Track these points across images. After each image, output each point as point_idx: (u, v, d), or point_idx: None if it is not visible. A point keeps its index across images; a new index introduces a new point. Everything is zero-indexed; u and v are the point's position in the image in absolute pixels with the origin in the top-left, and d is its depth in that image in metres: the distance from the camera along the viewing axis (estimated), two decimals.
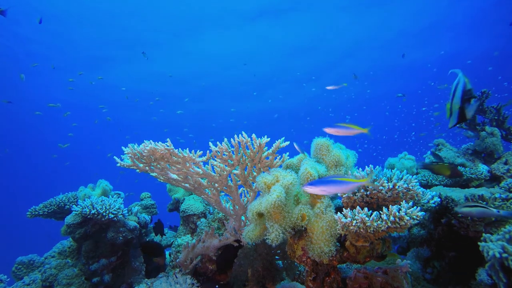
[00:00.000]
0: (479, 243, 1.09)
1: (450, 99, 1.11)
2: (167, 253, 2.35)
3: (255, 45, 11.57)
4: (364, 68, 12.85)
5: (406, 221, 0.89)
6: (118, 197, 2.31)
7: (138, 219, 2.26)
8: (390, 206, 0.92)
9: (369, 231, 0.93)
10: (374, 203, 1.05)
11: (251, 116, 16.79)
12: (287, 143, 1.45)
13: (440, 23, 10.20)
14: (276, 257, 1.65)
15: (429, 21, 10.10)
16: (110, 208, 1.94)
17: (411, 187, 1.00)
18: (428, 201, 1.30)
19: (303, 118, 17.96)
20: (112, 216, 1.92)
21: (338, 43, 11.46)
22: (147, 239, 2.47)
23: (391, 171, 1.04)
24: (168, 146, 1.41)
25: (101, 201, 1.95)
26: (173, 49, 11.42)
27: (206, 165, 1.56)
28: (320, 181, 0.97)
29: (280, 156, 1.47)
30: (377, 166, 1.06)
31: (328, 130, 1.30)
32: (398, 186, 0.99)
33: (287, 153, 1.47)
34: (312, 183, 0.97)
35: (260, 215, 1.11)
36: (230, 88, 14.06)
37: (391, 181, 1.01)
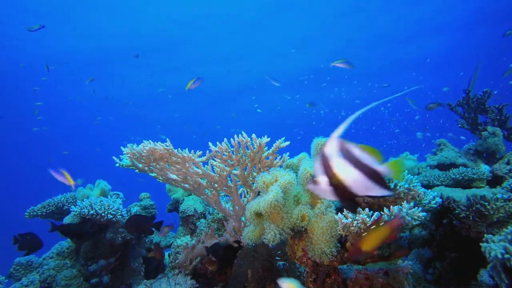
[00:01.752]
0: (480, 244, 1.07)
1: None
2: (166, 254, 2.34)
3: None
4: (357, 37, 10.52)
5: (407, 221, 0.88)
6: (117, 198, 2.30)
7: None
8: (391, 206, 0.91)
9: None
10: (375, 203, 1.04)
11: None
12: (288, 143, 1.44)
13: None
14: (277, 258, 1.64)
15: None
16: (109, 208, 1.92)
17: (412, 188, 0.99)
18: (430, 202, 1.29)
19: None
20: (111, 216, 1.91)
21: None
22: (146, 240, 2.46)
23: None
24: (167, 146, 1.41)
25: (100, 202, 1.94)
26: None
27: (206, 165, 1.55)
28: None
29: (280, 156, 1.46)
30: None
31: None
32: (399, 187, 0.98)
33: (288, 153, 1.46)
34: None
35: (259, 215, 1.10)
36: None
37: (392, 182, 0.99)
